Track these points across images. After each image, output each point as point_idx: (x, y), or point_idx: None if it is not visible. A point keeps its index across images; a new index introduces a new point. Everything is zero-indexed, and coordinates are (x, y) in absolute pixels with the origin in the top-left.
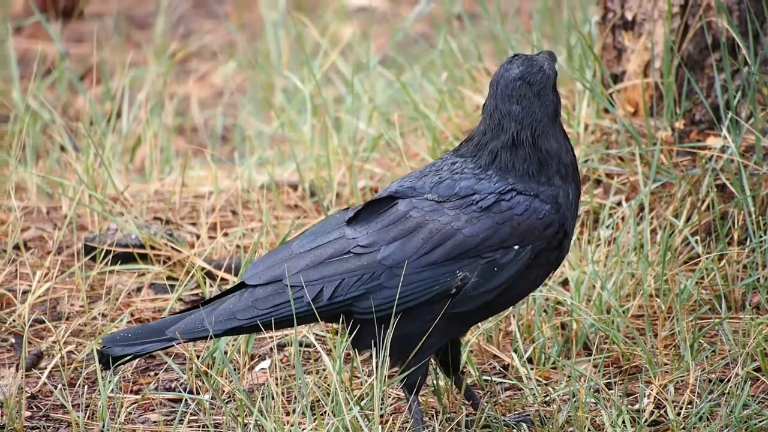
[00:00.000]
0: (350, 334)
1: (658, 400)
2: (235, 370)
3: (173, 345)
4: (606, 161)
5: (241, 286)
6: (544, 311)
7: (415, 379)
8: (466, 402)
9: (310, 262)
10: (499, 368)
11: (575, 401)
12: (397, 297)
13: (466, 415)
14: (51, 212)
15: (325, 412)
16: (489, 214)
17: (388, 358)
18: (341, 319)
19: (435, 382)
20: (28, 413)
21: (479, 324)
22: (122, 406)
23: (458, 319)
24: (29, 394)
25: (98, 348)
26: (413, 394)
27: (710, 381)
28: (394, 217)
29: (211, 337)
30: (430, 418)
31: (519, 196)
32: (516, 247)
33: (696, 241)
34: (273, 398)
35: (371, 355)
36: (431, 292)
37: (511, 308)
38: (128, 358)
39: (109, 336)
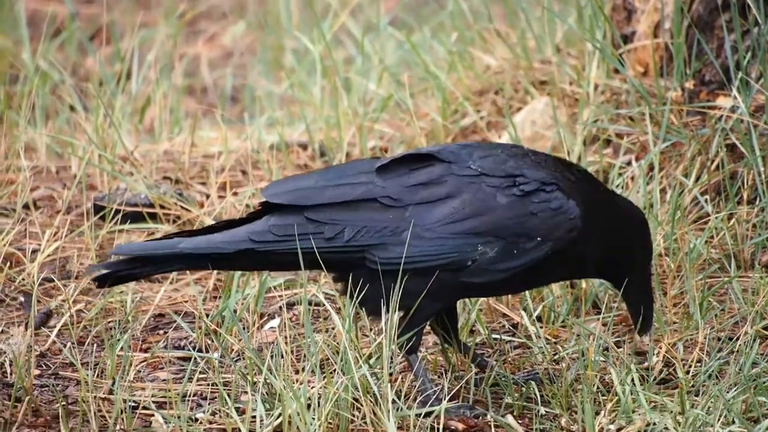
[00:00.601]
0: (358, 293)
1: (667, 358)
2: (244, 328)
3: (182, 252)
4: (616, 121)
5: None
6: None
7: (411, 339)
8: (474, 365)
9: (335, 197)
10: (508, 327)
11: (584, 360)
12: (416, 255)
13: (475, 374)
14: (60, 172)
15: (334, 370)
16: (525, 201)
17: (396, 317)
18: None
19: (442, 344)
20: (37, 371)
21: None
22: (131, 365)
23: (464, 289)
24: (38, 353)
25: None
26: (409, 353)
27: (719, 339)
28: (428, 177)
29: (221, 256)
30: (438, 377)
31: (558, 192)
32: (539, 238)
33: (705, 201)
34: (282, 357)
35: (372, 313)
36: (449, 259)
37: None
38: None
39: (121, 246)
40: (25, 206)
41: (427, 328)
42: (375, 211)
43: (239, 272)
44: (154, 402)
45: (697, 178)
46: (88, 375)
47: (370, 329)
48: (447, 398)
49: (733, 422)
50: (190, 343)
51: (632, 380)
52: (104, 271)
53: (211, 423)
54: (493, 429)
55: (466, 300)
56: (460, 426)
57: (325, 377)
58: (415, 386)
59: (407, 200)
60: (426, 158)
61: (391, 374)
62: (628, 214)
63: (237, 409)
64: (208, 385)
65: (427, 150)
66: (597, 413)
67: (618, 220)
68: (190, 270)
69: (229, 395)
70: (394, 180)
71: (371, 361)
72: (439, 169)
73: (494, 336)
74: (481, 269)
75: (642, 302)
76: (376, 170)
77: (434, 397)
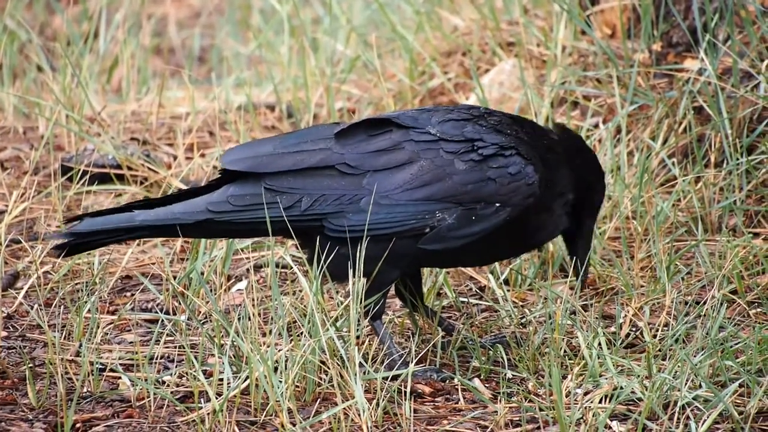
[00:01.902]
0: (322, 259)
1: (634, 322)
2: (211, 290)
3: (139, 225)
4: (583, 83)
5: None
6: None
7: (374, 305)
8: (440, 329)
9: (292, 165)
10: (475, 290)
11: (551, 323)
12: (373, 223)
13: (442, 337)
14: (28, 132)
15: (301, 333)
16: (483, 167)
17: (363, 280)
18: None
19: (410, 310)
20: (4, 333)
21: None
22: (98, 327)
23: (423, 256)
24: (5, 315)
25: (66, 231)
26: (373, 320)
27: (686, 303)
28: (386, 143)
29: (180, 227)
30: (406, 340)
31: (517, 157)
32: (497, 204)
33: (673, 164)
34: (249, 319)
35: (335, 279)
36: (407, 225)
37: None
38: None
39: (77, 225)
40: None
41: (392, 292)
42: (332, 178)
43: None
44: (121, 364)
45: (665, 141)
46: (55, 337)
47: (337, 292)
48: (414, 361)
49: (700, 386)
50: (157, 305)
51: (599, 344)
52: (62, 241)
53: (178, 385)
54: (460, 392)
55: None
56: (427, 389)
57: (292, 340)
58: (381, 350)
59: (365, 167)
60: (385, 123)
61: (358, 337)
62: (591, 167)
63: (204, 372)
64: (176, 347)
65: (386, 115)
66: (564, 377)
67: (576, 171)
68: (147, 238)
69: (196, 358)
70: (352, 146)
71: (338, 324)
72: (397, 135)
73: (461, 299)
74: (439, 236)
75: (587, 249)
76: (335, 136)
77: (400, 360)
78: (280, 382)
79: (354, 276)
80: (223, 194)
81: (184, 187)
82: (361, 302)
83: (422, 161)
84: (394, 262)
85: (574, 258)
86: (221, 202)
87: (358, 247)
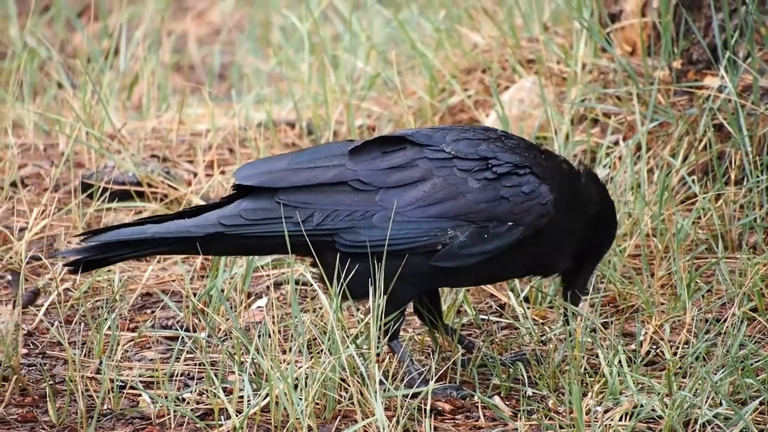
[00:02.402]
0: (339, 275)
1: (655, 339)
2: (231, 308)
3: (152, 237)
4: (603, 101)
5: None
6: None
7: (390, 323)
8: (461, 347)
9: (305, 180)
10: (495, 307)
11: (572, 341)
12: (385, 239)
13: (462, 355)
14: (48, 149)
15: (321, 350)
16: (497, 185)
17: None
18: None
19: (428, 325)
20: (24, 350)
21: None
22: (119, 344)
23: (437, 275)
24: (26, 332)
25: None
26: (390, 340)
27: (707, 321)
28: (400, 160)
29: (191, 240)
30: (426, 357)
31: (531, 176)
32: (510, 223)
33: (693, 181)
34: (269, 336)
35: (352, 297)
36: (418, 242)
37: None
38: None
39: (91, 237)
40: (13, 184)
41: (410, 310)
42: (345, 194)
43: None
44: (141, 381)
45: (685, 158)
46: (75, 354)
47: (357, 309)
48: (434, 379)
49: (721, 404)
50: (177, 323)
51: (619, 362)
52: (75, 257)
53: (198, 403)
54: (480, 410)
55: None
56: (447, 407)
57: (312, 357)
58: (401, 369)
59: (378, 184)
60: (399, 141)
61: (378, 354)
62: (600, 196)
63: (224, 389)
64: (196, 364)
65: (401, 133)
66: (584, 395)
67: (590, 204)
68: (162, 255)
69: (216, 375)
70: (366, 163)
71: (358, 341)
72: (411, 153)
73: (482, 317)
74: (451, 253)
75: (583, 289)
76: (349, 153)
77: (420, 378)
78: (300, 399)
79: (370, 293)
80: (235, 208)
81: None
82: (381, 319)
83: (435, 179)
84: (408, 281)
85: (567, 294)
86: (233, 216)
87: (371, 264)
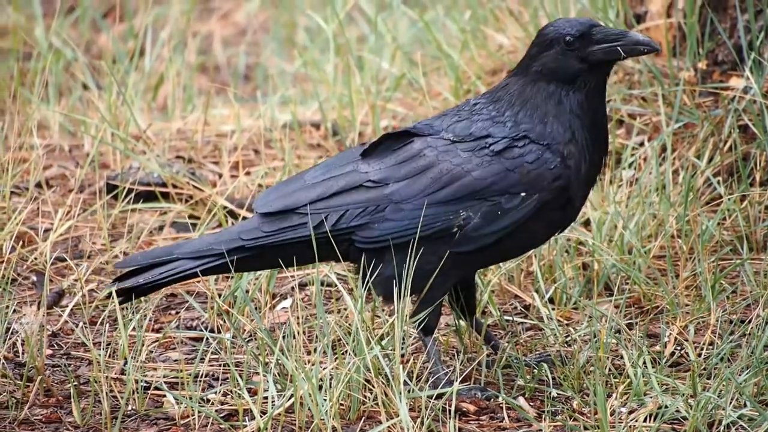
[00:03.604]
0: (371, 274)
1: (679, 340)
2: (256, 309)
3: (178, 260)
4: (628, 101)
5: None
6: (566, 251)
7: (426, 319)
8: (486, 345)
9: (321, 193)
10: (520, 308)
11: (596, 342)
12: (399, 229)
13: (487, 356)
14: (73, 150)
15: (346, 351)
16: (500, 159)
17: (408, 298)
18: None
19: (456, 321)
20: (49, 351)
21: (500, 264)
22: (143, 345)
23: (461, 260)
24: (50, 332)
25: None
26: (426, 335)
27: (731, 322)
28: (408, 154)
29: (216, 256)
30: (450, 358)
31: (531, 145)
32: (522, 194)
33: (718, 182)
34: (294, 337)
35: (380, 295)
36: (433, 228)
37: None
38: (143, 284)
39: (121, 262)
40: (38, 185)
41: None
42: (355, 194)
43: None
44: (165, 382)
45: (710, 160)
46: (99, 355)
47: (382, 310)
48: (459, 380)
49: (745, 405)
50: (202, 323)
51: (644, 363)
52: (127, 285)
53: (222, 404)
54: (504, 411)
55: (479, 281)
56: (472, 408)
57: (336, 358)
58: (427, 367)
59: (389, 179)
60: (405, 135)
61: (402, 355)
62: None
63: (249, 390)
64: (220, 365)
65: (404, 128)
66: (609, 396)
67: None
68: (193, 278)
69: (240, 376)
70: (376, 162)
71: (383, 342)
72: (418, 144)
73: (506, 318)
74: (467, 237)
75: None
76: (360, 156)
77: (445, 379)
78: (325, 400)
79: (395, 292)
80: (254, 222)
81: (229, 206)
82: (406, 319)
83: (441, 164)
84: (438, 272)
85: None
86: (253, 229)
87: (393, 257)
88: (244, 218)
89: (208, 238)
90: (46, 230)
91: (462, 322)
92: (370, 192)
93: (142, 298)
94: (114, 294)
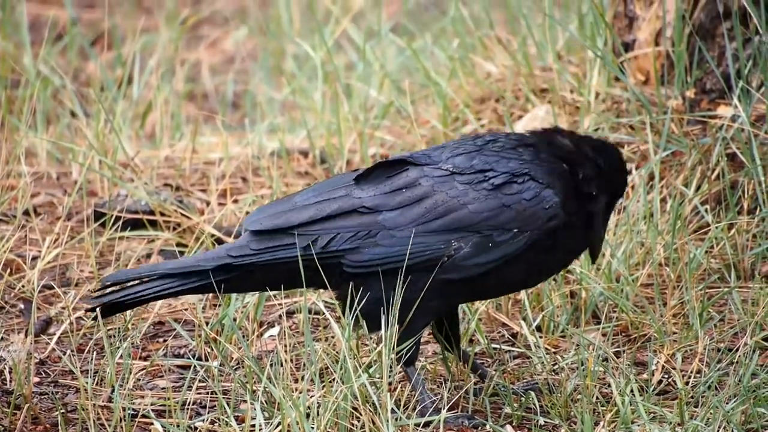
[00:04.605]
0: (358, 302)
1: (667, 368)
2: (243, 336)
3: (164, 272)
4: (616, 130)
5: None
6: (553, 279)
7: (406, 349)
8: (473, 374)
9: (313, 214)
10: (507, 336)
11: (584, 370)
12: (389, 255)
13: (474, 383)
14: (61, 178)
15: (333, 379)
16: (498, 194)
17: (396, 326)
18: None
19: (443, 350)
20: (36, 379)
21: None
22: (131, 373)
23: (444, 291)
24: (38, 360)
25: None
26: (406, 365)
27: (719, 350)
28: (403, 182)
29: (201, 273)
30: (438, 386)
31: (531, 182)
32: (515, 230)
33: (706, 210)
34: (282, 365)
35: (365, 321)
36: (423, 257)
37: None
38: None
39: (108, 276)
40: (26, 212)
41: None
42: (347, 219)
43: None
44: (153, 410)
45: (698, 188)
46: (87, 383)
47: (369, 338)
48: (446, 408)
49: None
50: (189, 351)
51: (631, 391)
52: (98, 303)
53: (210, 431)
54: None
55: (466, 309)
56: None
57: (324, 386)
58: (414, 395)
59: (382, 207)
60: (400, 164)
61: (390, 383)
62: (609, 156)
63: (236, 418)
64: (208, 393)
65: (400, 156)
66: (596, 424)
67: (606, 164)
68: (177, 295)
69: (228, 403)
70: (371, 189)
71: (370, 370)
72: (414, 173)
73: (494, 346)
74: (455, 265)
75: (603, 229)
76: (354, 181)
77: (432, 407)
78: (313, 428)
79: (382, 320)
80: (243, 240)
81: (217, 233)
82: (393, 347)
83: (437, 195)
84: (423, 302)
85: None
86: (242, 247)
87: (381, 284)
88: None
89: (196, 256)
90: (34, 258)
91: (448, 354)
92: (363, 217)
93: (129, 325)
94: (98, 311)
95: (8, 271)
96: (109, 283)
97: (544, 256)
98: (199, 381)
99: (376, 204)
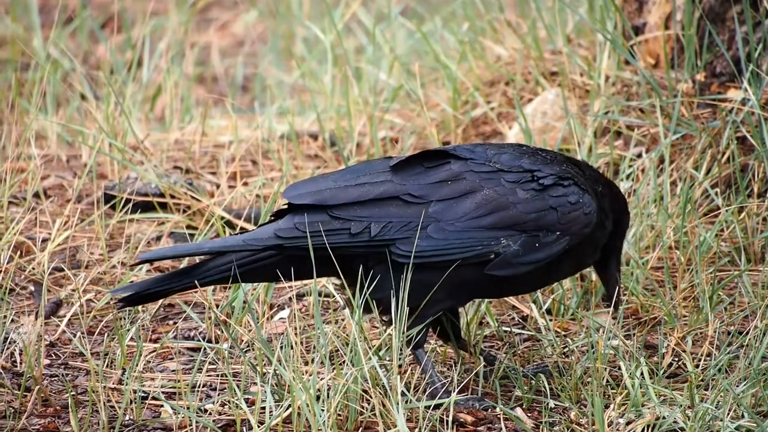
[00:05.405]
0: (369, 285)
1: (677, 351)
2: (254, 319)
3: (209, 251)
4: (626, 113)
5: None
6: None
7: (418, 334)
8: (481, 359)
9: (357, 197)
10: (518, 319)
11: (594, 353)
12: (441, 248)
13: (484, 366)
14: (71, 160)
15: (343, 362)
16: (545, 196)
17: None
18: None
19: (444, 341)
20: (47, 361)
21: None
22: (141, 355)
23: (485, 284)
24: (48, 342)
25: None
26: (415, 348)
27: (729, 333)
28: (446, 175)
29: (247, 256)
30: (448, 369)
31: (575, 187)
32: (558, 233)
33: (716, 194)
34: (292, 348)
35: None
36: (473, 251)
37: None
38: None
39: (147, 254)
40: (36, 195)
41: None
42: (398, 207)
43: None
44: (163, 392)
45: (708, 171)
46: (97, 365)
47: (380, 321)
48: (456, 390)
49: (743, 416)
50: (199, 334)
51: (642, 374)
52: (129, 293)
53: (220, 414)
54: (502, 421)
55: None
56: (469, 418)
57: (334, 369)
58: (424, 378)
59: (430, 197)
60: (441, 156)
61: (400, 366)
62: (619, 196)
63: (246, 400)
64: (218, 375)
65: (442, 148)
66: (606, 406)
67: (616, 203)
68: (207, 285)
69: (238, 386)
70: (412, 178)
71: (381, 353)
72: (457, 167)
73: (504, 328)
74: (505, 262)
75: (617, 275)
76: (391, 169)
77: (443, 389)
78: (323, 410)
79: (393, 303)
80: (289, 221)
81: (227, 216)
82: (403, 331)
83: (485, 190)
84: (453, 290)
85: (608, 279)
86: (289, 228)
87: (421, 274)
88: (242, 228)
89: (241, 235)
90: (44, 240)
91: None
92: (411, 207)
93: (140, 307)
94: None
95: (19, 253)
96: (152, 258)
97: (573, 256)
98: (210, 363)
99: (422, 193)
